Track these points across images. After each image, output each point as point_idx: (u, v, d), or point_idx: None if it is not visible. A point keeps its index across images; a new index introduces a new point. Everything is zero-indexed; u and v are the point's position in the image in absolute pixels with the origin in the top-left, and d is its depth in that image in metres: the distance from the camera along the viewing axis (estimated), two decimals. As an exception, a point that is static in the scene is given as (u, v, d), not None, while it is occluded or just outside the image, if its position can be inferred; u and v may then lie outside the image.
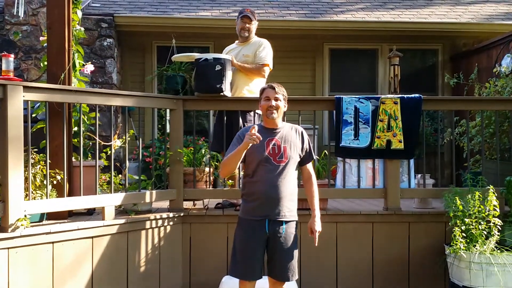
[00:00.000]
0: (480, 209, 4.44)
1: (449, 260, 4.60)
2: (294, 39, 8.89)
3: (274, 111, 3.75)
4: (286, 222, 3.71)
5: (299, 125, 5.08)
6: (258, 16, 5.54)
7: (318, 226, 3.77)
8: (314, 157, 3.94)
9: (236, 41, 5.60)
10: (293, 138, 3.80)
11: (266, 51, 5.37)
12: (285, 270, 3.70)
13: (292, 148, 3.76)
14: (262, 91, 3.86)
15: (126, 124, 4.90)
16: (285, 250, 3.69)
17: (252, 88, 5.35)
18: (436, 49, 9.38)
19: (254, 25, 5.48)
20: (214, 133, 5.47)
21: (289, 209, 3.72)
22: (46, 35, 4.65)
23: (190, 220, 4.95)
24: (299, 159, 3.82)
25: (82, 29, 5.03)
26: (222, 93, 5.02)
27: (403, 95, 5.10)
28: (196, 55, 5.27)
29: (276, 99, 3.76)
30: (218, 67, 4.96)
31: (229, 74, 5.09)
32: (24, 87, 3.90)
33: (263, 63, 5.33)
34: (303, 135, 3.86)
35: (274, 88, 3.80)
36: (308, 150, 3.87)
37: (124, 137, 4.84)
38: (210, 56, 5.14)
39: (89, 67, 5.10)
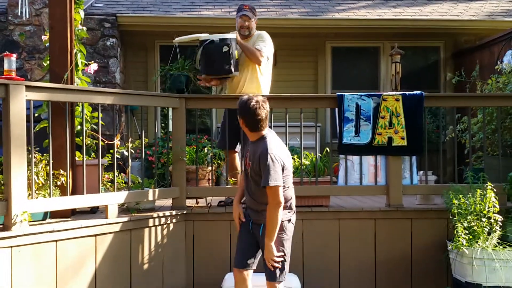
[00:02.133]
0: (480, 206, 4.45)
1: (452, 256, 4.60)
2: (296, 37, 8.90)
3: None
4: (265, 224, 3.68)
5: (301, 123, 5.14)
6: (259, 14, 5.51)
7: (266, 255, 3.65)
8: (270, 184, 3.53)
9: (237, 32, 5.44)
10: (256, 158, 3.66)
11: (264, 42, 5.27)
12: (267, 270, 3.73)
13: (252, 166, 3.70)
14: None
15: (129, 123, 4.93)
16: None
17: (261, 85, 5.32)
18: (438, 46, 9.38)
19: (254, 22, 5.38)
20: (221, 130, 5.43)
21: (263, 213, 3.69)
22: (48, 35, 4.68)
23: (193, 218, 4.97)
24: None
25: (85, 28, 5.05)
26: (231, 74, 5.02)
27: (404, 92, 5.10)
28: (201, 36, 5.14)
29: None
30: (225, 48, 4.92)
31: (236, 53, 5.06)
32: (27, 86, 3.92)
33: (259, 50, 5.20)
34: (260, 160, 3.60)
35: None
36: (262, 172, 3.60)
37: (127, 142, 4.86)
38: (216, 37, 5.04)
39: (93, 67, 5.11)
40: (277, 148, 3.70)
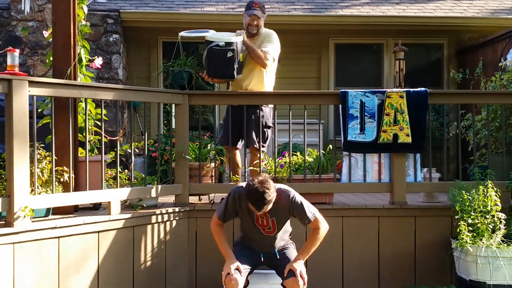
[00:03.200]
0: (484, 203, 4.43)
1: (456, 254, 4.59)
2: (299, 34, 8.87)
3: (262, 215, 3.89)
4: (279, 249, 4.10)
5: (304, 120, 5.12)
6: (263, 10, 5.43)
7: (296, 265, 3.85)
8: (312, 216, 3.90)
9: (244, 32, 5.35)
10: (281, 213, 3.91)
11: (272, 43, 5.22)
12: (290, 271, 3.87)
13: (281, 220, 3.95)
14: (248, 204, 3.77)
15: (131, 120, 4.91)
16: (286, 258, 4.00)
17: (265, 83, 5.30)
18: (442, 44, 9.36)
19: (262, 20, 5.26)
20: (224, 126, 5.38)
21: (281, 246, 4.13)
22: (51, 30, 4.65)
23: (196, 215, 4.95)
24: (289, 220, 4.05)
25: (88, 24, 5.03)
26: (233, 78, 5.00)
27: (409, 89, 5.07)
28: (208, 35, 5.00)
29: (263, 213, 3.82)
30: (230, 54, 4.86)
31: (241, 56, 5.01)
32: (30, 82, 3.89)
33: (267, 52, 5.15)
34: (291, 208, 3.90)
35: (260, 209, 3.72)
36: (301, 216, 3.92)
37: (130, 139, 4.84)
38: (221, 40, 4.93)
39: (98, 61, 5.09)
40: (288, 189, 3.95)
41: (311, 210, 3.90)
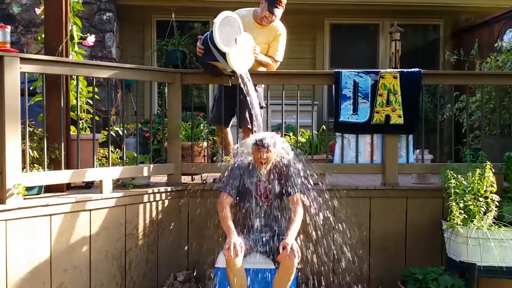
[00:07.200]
0: (479, 185, 4.43)
1: (446, 235, 4.61)
2: (294, 14, 8.72)
3: (265, 162, 4.12)
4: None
5: (297, 100, 5.11)
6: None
7: (288, 241, 3.87)
8: (299, 189, 4.20)
9: (254, 12, 5.25)
10: (278, 177, 4.18)
11: (282, 46, 5.26)
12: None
13: (276, 187, 4.18)
14: (254, 147, 4.14)
15: (124, 99, 4.88)
16: (280, 239, 4.06)
17: (260, 69, 5.28)
18: (438, 25, 9.32)
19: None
20: (216, 105, 5.33)
21: (275, 226, 4.23)
22: (43, 7, 4.61)
23: (188, 195, 4.96)
24: (284, 193, 4.21)
25: (80, 1, 4.99)
26: None
27: (402, 70, 5.05)
28: (228, 54, 4.54)
29: (268, 155, 4.09)
30: (230, 73, 4.78)
31: None
32: (21, 58, 3.87)
33: (278, 60, 5.26)
34: (288, 171, 4.19)
35: (266, 148, 4.07)
36: (291, 184, 4.18)
37: (122, 119, 4.82)
38: (233, 69, 4.62)
39: (90, 39, 5.05)
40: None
41: (300, 187, 4.18)
